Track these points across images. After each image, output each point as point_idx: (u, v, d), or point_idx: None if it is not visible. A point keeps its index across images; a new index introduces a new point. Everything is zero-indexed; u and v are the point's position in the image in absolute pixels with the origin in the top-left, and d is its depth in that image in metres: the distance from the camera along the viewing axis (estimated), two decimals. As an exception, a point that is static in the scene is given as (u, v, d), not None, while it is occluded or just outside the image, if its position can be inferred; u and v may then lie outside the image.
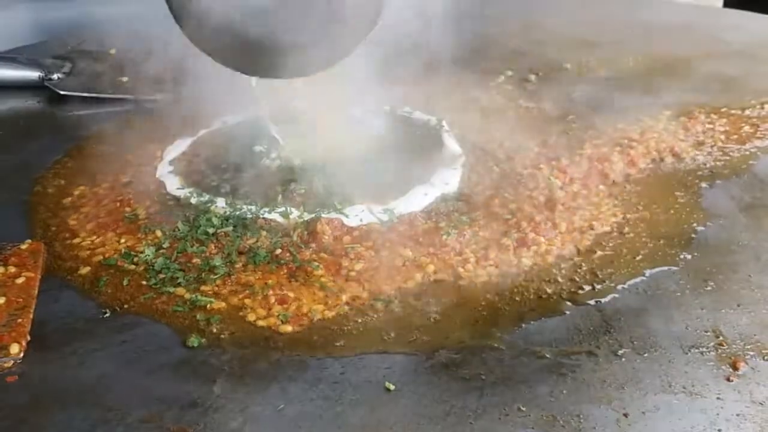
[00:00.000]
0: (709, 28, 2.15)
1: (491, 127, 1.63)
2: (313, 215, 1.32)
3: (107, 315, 1.14)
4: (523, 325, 1.09)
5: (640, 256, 1.23)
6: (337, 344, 1.07)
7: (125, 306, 1.16)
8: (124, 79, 1.96)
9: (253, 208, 1.34)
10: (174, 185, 1.44)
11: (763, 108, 1.68)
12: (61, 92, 1.87)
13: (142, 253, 1.26)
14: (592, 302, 1.13)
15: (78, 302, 1.18)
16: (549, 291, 1.16)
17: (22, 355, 1.05)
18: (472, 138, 1.57)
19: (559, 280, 1.18)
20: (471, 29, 2.15)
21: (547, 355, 1.03)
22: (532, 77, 1.92)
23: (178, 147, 1.60)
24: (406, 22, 2.00)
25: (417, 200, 1.36)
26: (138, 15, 2.31)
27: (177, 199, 1.41)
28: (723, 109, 1.68)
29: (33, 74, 1.91)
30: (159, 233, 1.31)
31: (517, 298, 1.15)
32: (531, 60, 2.01)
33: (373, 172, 1.42)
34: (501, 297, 1.15)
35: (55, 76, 1.91)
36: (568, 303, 1.13)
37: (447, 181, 1.42)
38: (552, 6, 2.46)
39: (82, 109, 1.86)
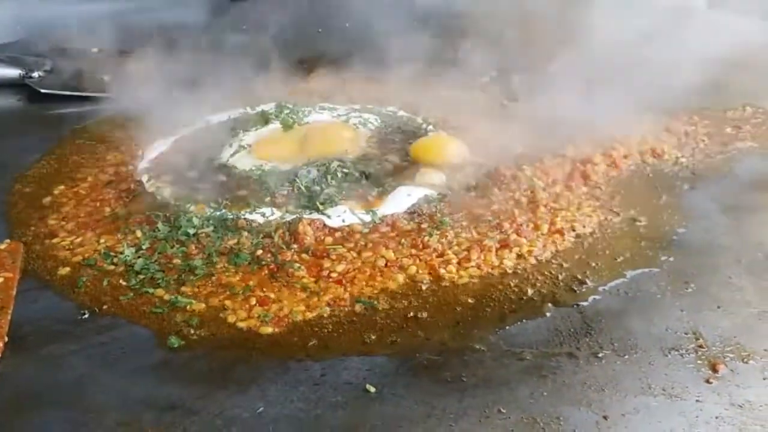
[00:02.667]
0: (692, 29, 2.15)
1: (475, 127, 1.63)
2: (294, 216, 1.31)
3: (86, 316, 1.13)
4: (505, 327, 1.08)
5: (621, 258, 1.23)
6: (318, 346, 1.06)
7: (104, 307, 1.15)
8: (106, 77, 1.94)
9: (234, 209, 1.33)
10: (154, 185, 1.43)
11: (744, 110, 1.69)
12: (42, 90, 1.85)
13: (121, 253, 1.26)
14: (572, 304, 1.13)
15: (57, 303, 1.17)
16: (530, 292, 1.15)
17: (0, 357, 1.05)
18: (455, 136, 1.56)
19: (541, 281, 1.18)
20: (456, 28, 2.16)
21: (528, 357, 1.03)
22: (516, 77, 1.91)
23: (160, 146, 1.59)
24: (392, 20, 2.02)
25: (400, 201, 1.36)
26: (120, 13, 2.32)
27: (157, 198, 1.40)
28: (705, 111, 1.69)
29: (13, 72, 1.90)
30: (139, 233, 1.30)
31: (498, 300, 1.14)
32: (515, 60, 2.01)
33: (357, 172, 1.42)
34: (482, 298, 1.15)
35: (35, 75, 1.90)
36: (549, 305, 1.13)
37: (430, 181, 1.41)
38: (536, 6, 2.46)
39: (63, 108, 1.85)
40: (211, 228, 1.30)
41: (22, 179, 1.52)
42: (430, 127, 1.62)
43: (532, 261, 1.23)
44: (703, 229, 1.29)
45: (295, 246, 1.26)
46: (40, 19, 2.23)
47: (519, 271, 1.21)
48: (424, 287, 1.17)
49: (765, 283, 1.16)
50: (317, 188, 1.38)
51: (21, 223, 1.37)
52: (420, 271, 1.21)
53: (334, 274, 1.20)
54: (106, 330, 1.11)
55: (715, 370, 0.99)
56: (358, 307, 1.13)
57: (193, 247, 1.26)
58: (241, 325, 1.11)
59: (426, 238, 1.27)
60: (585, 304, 1.13)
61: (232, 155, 1.49)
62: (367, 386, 0.98)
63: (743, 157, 1.52)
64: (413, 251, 1.25)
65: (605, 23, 2.11)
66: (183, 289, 1.18)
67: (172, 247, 1.26)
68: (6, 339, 1.07)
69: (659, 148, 1.54)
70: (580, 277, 1.18)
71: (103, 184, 1.48)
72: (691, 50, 1.92)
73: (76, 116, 1.81)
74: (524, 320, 1.10)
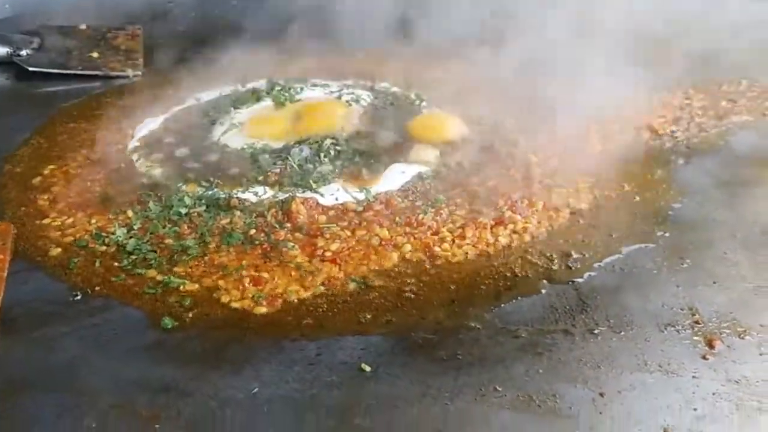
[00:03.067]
0: (688, 3, 2.13)
1: (469, 102, 1.61)
2: (287, 195, 1.30)
3: (78, 297, 1.12)
4: (500, 305, 1.08)
5: (616, 234, 1.22)
6: (313, 325, 1.05)
7: (96, 288, 1.14)
8: (95, 54, 1.92)
9: (226, 188, 1.32)
10: (145, 164, 1.42)
11: (740, 83, 1.68)
12: (30, 68, 1.83)
13: (113, 234, 1.24)
14: (568, 280, 1.12)
15: (48, 284, 1.16)
16: (526, 269, 1.15)
17: (-10, 341, 1.04)
18: (450, 113, 1.55)
19: (536, 258, 1.17)
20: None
21: (523, 335, 1.02)
22: (509, 50, 1.88)
23: (149, 124, 1.57)
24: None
25: (394, 178, 1.35)
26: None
27: (148, 177, 1.38)
28: (700, 85, 1.67)
29: (1, 50, 1.87)
30: (130, 213, 1.29)
31: (493, 278, 1.14)
32: (508, 32, 1.98)
33: (350, 150, 1.41)
34: (477, 276, 1.14)
35: (23, 52, 1.87)
36: (545, 281, 1.12)
37: (425, 158, 1.40)
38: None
39: (52, 86, 1.82)
40: (204, 207, 1.28)
41: (12, 159, 1.50)
42: (424, 103, 1.60)
43: (527, 238, 1.22)
44: (698, 204, 1.29)
45: (288, 225, 1.25)
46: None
47: (514, 248, 1.20)
48: (418, 265, 1.17)
49: (760, 258, 1.15)
50: (310, 166, 1.36)
51: (11, 203, 1.36)
52: (415, 250, 1.20)
53: (328, 253, 1.19)
54: (99, 311, 1.10)
55: (711, 346, 0.99)
56: (352, 286, 1.13)
57: (186, 227, 1.25)
58: (235, 305, 1.10)
59: (420, 216, 1.26)
60: (580, 280, 1.12)
61: (223, 133, 1.48)
62: (363, 365, 0.98)
63: (738, 131, 1.51)
64: (407, 229, 1.24)
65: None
66: (176, 269, 1.17)
67: (164, 227, 1.25)
68: (-3, 322, 1.06)
69: (654, 122, 1.53)
70: (575, 253, 1.18)
71: (93, 164, 1.46)
72: (684, 21, 1.91)
73: (64, 94, 1.79)
74: (519, 298, 1.09)
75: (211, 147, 1.45)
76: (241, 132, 1.48)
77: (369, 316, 1.07)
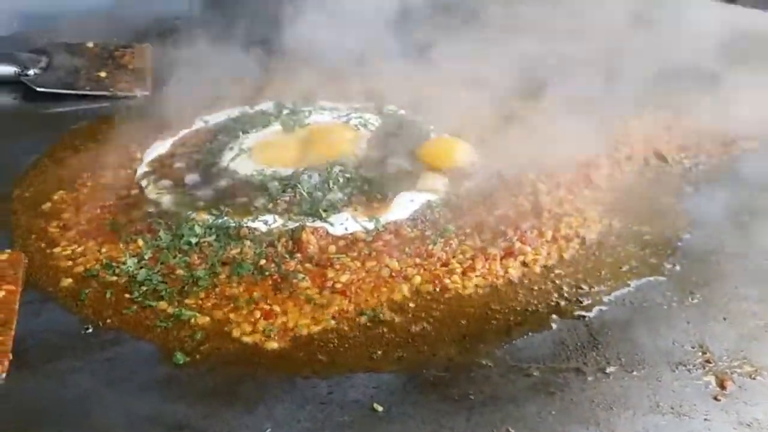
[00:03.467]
0: (693, 21, 2.13)
1: (476, 127, 1.62)
2: (297, 224, 1.30)
3: (89, 330, 1.13)
4: (511, 341, 1.08)
5: (626, 266, 1.23)
6: (324, 361, 1.06)
7: (108, 320, 1.14)
8: (103, 74, 1.92)
9: (236, 216, 1.32)
10: (154, 190, 1.42)
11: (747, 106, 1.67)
12: (38, 89, 1.83)
13: (123, 264, 1.24)
14: (578, 315, 1.13)
15: (60, 316, 1.16)
16: (536, 304, 1.15)
17: (4, 375, 1.03)
18: (458, 138, 1.55)
19: (546, 292, 1.18)
20: (452, 20, 2.13)
21: (535, 373, 1.02)
22: (516, 72, 1.88)
23: (157, 148, 1.57)
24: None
25: (403, 207, 1.35)
26: (114, 5, 2.29)
27: (157, 205, 1.38)
28: (708, 108, 1.67)
29: (8, 69, 1.87)
30: (141, 242, 1.29)
31: (504, 312, 1.14)
32: (514, 53, 1.98)
33: (359, 177, 1.41)
34: (488, 310, 1.14)
35: (31, 72, 1.87)
36: (555, 316, 1.13)
37: (433, 186, 1.40)
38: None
39: (60, 106, 1.82)
40: (214, 237, 1.28)
41: (21, 183, 1.50)
42: (432, 127, 1.60)
43: (537, 270, 1.22)
44: (708, 235, 1.29)
45: (298, 255, 1.25)
46: (36, 11, 2.20)
47: (524, 281, 1.20)
48: (428, 298, 1.17)
49: (771, 294, 1.15)
50: (319, 194, 1.36)
51: (21, 230, 1.36)
52: (425, 282, 1.20)
53: (338, 285, 1.19)
54: (110, 345, 1.10)
55: (723, 386, 0.99)
56: (362, 320, 1.13)
57: (196, 257, 1.25)
58: (246, 339, 1.10)
59: (430, 247, 1.26)
60: (591, 315, 1.12)
61: (232, 159, 1.48)
62: (375, 405, 0.98)
63: (746, 158, 1.51)
64: (417, 260, 1.24)
65: (603, 13, 2.09)
66: (186, 301, 1.17)
67: (174, 257, 1.25)
68: (10, 356, 1.06)
69: (662, 148, 1.53)
70: (585, 287, 1.18)
71: (102, 189, 1.46)
72: (692, 43, 1.91)
73: (72, 115, 1.78)
74: (530, 333, 1.10)
75: (221, 173, 1.45)
76: (250, 157, 1.48)
77: (380, 352, 1.07)
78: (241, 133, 1.57)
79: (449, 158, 1.47)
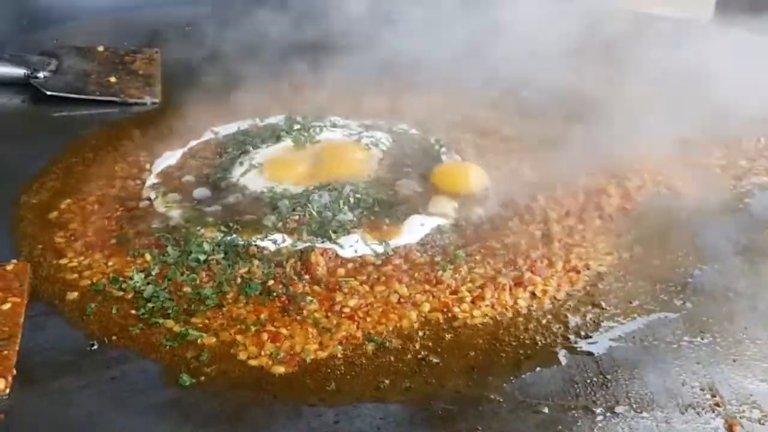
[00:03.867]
0: (698, 45, 2.12)
1: (487, 149, 1.62)
2: (306, 244, 1.29)
3: (95, 347, 1.12)
4: (520, 375, 1.07)
5: (636, 302, 1.22)
6: (331, 389, 1.05)
7: (113, 338, 1.13)
8: (113, 79, 1.91)
9: (245, 234, 1.31)
10: (162, 203, 1.41)
11: (759, 141, 1.67)
12: (48, 92, 1.82)
13: (130, 278, 1.24)
14: (587, 351, 1.12)
15: (65, 331, 1.15)
16: (545, 337, 1.15)
17: (8, 391, 1.03)
18: (469, 160, 1.54)
19: (556, 325, 1.17)
20: (460, 41, 2.13)
21: (544, 410, 1.02)
22: (525, 94, 1.87)
23: (167, 159, 1.56)
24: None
25: (413, 231, 1.34)
26: (126, 8, 2.28)
27: (166, 219, 1.37)
28: (719, 140, 1.67)
29: (18, 71, 1.86)
30: (148, 257, 1.28)
31: (512, 344, 1.13)
32: (523, 75, 1.98)
33: (369, 198, 1.39)
34: (497, 342, 1.14)
35: (41, 75, 1.86)
36: (564, 351, 1.12)
37: (443, 210, 1.39)
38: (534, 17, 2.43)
39: (68, 110, 1.82)
40: (222, 255, 1.27)
41: (28, 189, 1.49)
42: (443, 149, 1.59)
43: (547, 302, 1.22)
44: (718, 272, 1.29)
45: (306, 277, 1.25)
46: (46, 14, 2.19)
47: (533, 313, 1.20)
48: (437, 327, 1.16)
49: (781, 336, 1.15)
50: (329, 214, 1.35)
51: (27, 239, 1.35)
52: (433, 309, 1.19)
53: (346, 309, 1.19)
54: (116, 363, 1.09)
55: (731, 431, 0.98)
56: (370, 347, 1.12)
57: (204, 275, 1.24)
58: (253, 363, 1.09)
59: (440, 273, 1.25)
60: (600, 352, 1.12)
61: (242, 174, 1.47)
62: (382, 437, 0.98)
63: (757, 193, 1.50)
64: (426, 287, 1.24)
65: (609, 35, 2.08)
66: (193, 320, 1.16)
67: (182, 274, 1.24)
68: (14, 372, 1.05)
69: (673, 179, 1.53)
70: (595, 321, 1.18)
71: (110, 199, 1.45)
72: (702, 72, 1.90)
73: (81, 120, 1.78)
74: (539, 368, 1.09)
75: (230, 188, 1.44)
76: (260, 173, 1.47)
77: (387, 382, 1.06)
78: (251, 148, 1.56)
79: (461, 183, 1.46)
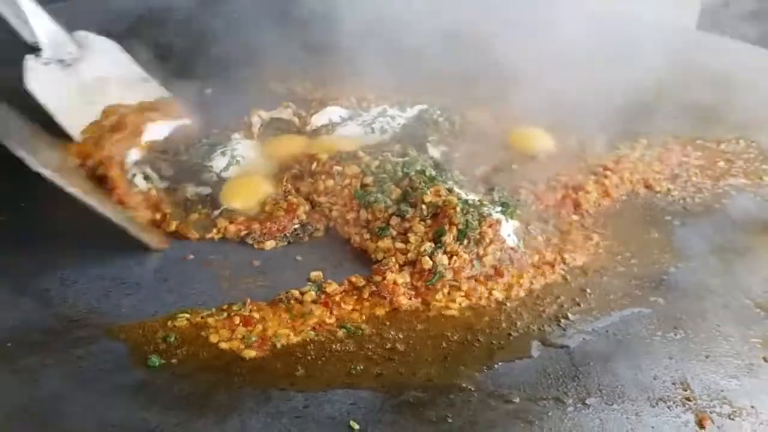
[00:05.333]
0: (684, 51, 2.13)
1: (469, 146, 1.61)
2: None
3: (64, 326, 1.10)
4: (493, 365, 1.07)
5: (611, 296, 1.22)
6: (301, 374, 1.04)
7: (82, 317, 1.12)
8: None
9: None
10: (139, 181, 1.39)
11: (738, 143, 1.68)
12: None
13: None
14: (561, 344, 1.11)
15: (33, 309, 1.13)
16: (519, 328, 1.14)
17: (-25, 366, 1.01)
18: (453, 156, 1.53)
19: (529, 317, 1.16)
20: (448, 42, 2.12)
21: (516, 400, 1.01)
22: (506, 94, 1.86)
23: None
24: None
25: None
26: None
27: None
28: (698, 141, 1.67)
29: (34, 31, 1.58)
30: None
31: (486, 335, 1.13)
32: (502, 78, 1.97)
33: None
34: (471, 332, 1.13)
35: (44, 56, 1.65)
36: (538, 343, 1.11)
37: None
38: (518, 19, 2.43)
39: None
40: (198, 237, 1.26)
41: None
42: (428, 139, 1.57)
43: (521, 294, 1.21)
44: (693, 271, 1.28)
45: (282, 262, 1.24)
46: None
47: (508, 304, 1.19)
48: (411, 315, 1.16)
49: (752, 333, 1.15)
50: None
51: None
52: (409, 298, 1.19)
53: (321, 295, 1.18)
54: (84, 343, 1.07)
55: (701, 425, 0.99)
56: (341, 333, 1.11)
57: (178, 258, 1.23)
58: (224, 346, 1.08)
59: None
60: (573, 345, 1.11)
61: (224, 169, 1.44)
62: (351, 422, 0.97)
63: (735, 194, 1.50)
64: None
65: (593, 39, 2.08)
66: (167, 302, 1.15)
67: (155, 256, 1.23)
68: (-20, 348, 1.03)
69: (651, 178, 1.53)
70: (569, 314, 1.17)
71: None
72: (683, 75, 1.90)
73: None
74: (512, 359, 1.08)
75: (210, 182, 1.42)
76: (241, 169, 1.45)
77: (359, 368, 1.05)
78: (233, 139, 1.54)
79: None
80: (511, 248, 1.25)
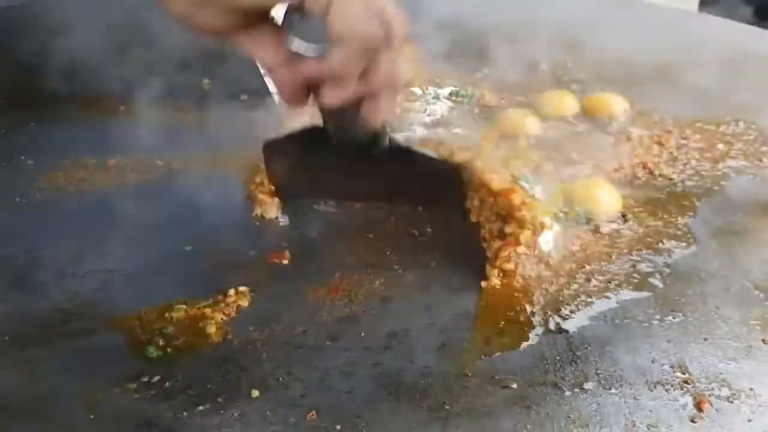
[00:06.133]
0: (686, 33, 2.12)
1: (464, 126, 1.61)
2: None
3: (60, 319, 1.10)
4: (491, 351, 1.07)
5: (610, 280, 1.21)
6: (299, 363, 1.04)
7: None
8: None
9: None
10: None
11: (737, 125, 1.66)
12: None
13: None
14: (558, 328, 1.11)
15: (30, 302, 1.14)
16: (517, 314, 1.14)
17: (-27, 359, 1.01)
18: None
19: (528, 302, 1.16)
20: (445, 21, 2.11)
21: (513, 386, 1.01)
22: (507, 77, 1.86)
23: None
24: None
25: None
26: None
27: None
28: (698, 124, 1.66)
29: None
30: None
31: (484, 320, 1.12)
32: (507, 58, 1.97)
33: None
34: (468, 318, 1.13)
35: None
36: (537, 328, 1.11)
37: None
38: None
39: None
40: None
41: None
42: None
43: (519, 279, 1.21)
44: (693, 254, 1.28)
45: (279, 251, 1.24)
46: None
47: (506, 289, 1.19)
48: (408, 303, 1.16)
49: (751, 315, 1.15)
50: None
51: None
52: (406, 283, 1.19)
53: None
54: (81, 335, 1.08)
55: (700, 408, 0.98)
56: (342, 320, 1.12)
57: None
58: (219, 335, 1.08)
59: (413, 247, 1.25)
60: (571, 329, 1.11)
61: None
62: (348, 409, 0.96)
63: (734, 177, 1.49)
64: (400, 258, 1.23)
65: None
66: (164, 295, 1.16)
67: (152, 248, 1.23)
68: (-23, 342, 1.04)
69: (650, 161, 1.52)
70: (567, 299, 1.17)
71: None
72: (684, 56, 1.90)
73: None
74: (510, 344, 1.08)
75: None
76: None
77: (356, 354, 1.05)
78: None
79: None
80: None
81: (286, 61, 1.05)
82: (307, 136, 1.28)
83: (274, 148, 1.33)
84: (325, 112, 1.18)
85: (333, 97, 1.07)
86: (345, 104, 1.08)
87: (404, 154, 1.29)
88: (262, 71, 1.22)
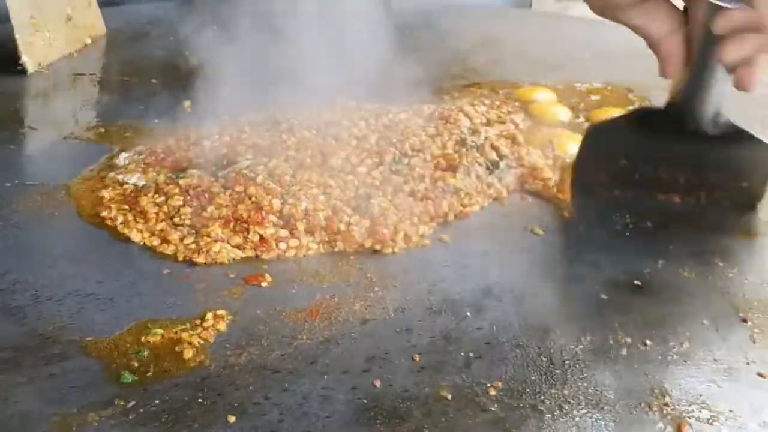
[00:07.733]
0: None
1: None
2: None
3: (36, 344, 1.09)
4: (471, 372, 1.06)
5: (588, 302, 1.21)
6: (277, 387, 1.03)
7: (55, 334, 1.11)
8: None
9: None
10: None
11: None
12: None
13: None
14: (538, 351, 1.11)
15: (6, 326, 1.12)
16: (497, 335, 1.13)
17: (-56, 387, 1.00)
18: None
19: (507, 322, 1.16)
20: (424, 43, 2.13)
21: (492, 408, 1.00)
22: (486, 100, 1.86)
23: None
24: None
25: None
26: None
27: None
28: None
29: None
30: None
31: (464, 342, 1.12)
32: (485, 78, 1.98)
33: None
34: (448, 342, 1.12)
35: None
36: (517, 350, 1.11)
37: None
38: (509, 22, 2.45)
39: None
40: (171, 251, 1.26)
41: None
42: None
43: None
44: (672, 272, 1.28)
45: (258, 274, 1.23)
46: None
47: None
48: (388, 325, 1.15)
49: (732, 337, 1.15)
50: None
51: None
52: (384, 306, 1.18)
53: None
54: (57, 360, 1.06)
55: (680, 431, 0.98)
56: (321, 344, 1.11)
57: (152, 272, 1.22)
58: (196, 360, 1.07)
59: (392, 270, 1.24)
60: (552, 350, 1.11)
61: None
62: (327, 436, 0.96)
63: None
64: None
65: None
66: (139, 316, 1.14)
67: (129, 271, 1.22)
68: (-47, 367, 1.02)
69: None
70: (547, 321, 1.16)
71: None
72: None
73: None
74: (491, 365, 1.07)
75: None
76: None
77: (334, 377, 1.04)
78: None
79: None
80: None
81: (675, 31, 1.16)
82: (641, 118, 1.33)
83: (601, 131, 1.38)
84: (688, 84, 1.23)
85: (735, 51, 1.11)
86: (740, 62, 1.12)
87: (742, 137, 1.31)
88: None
